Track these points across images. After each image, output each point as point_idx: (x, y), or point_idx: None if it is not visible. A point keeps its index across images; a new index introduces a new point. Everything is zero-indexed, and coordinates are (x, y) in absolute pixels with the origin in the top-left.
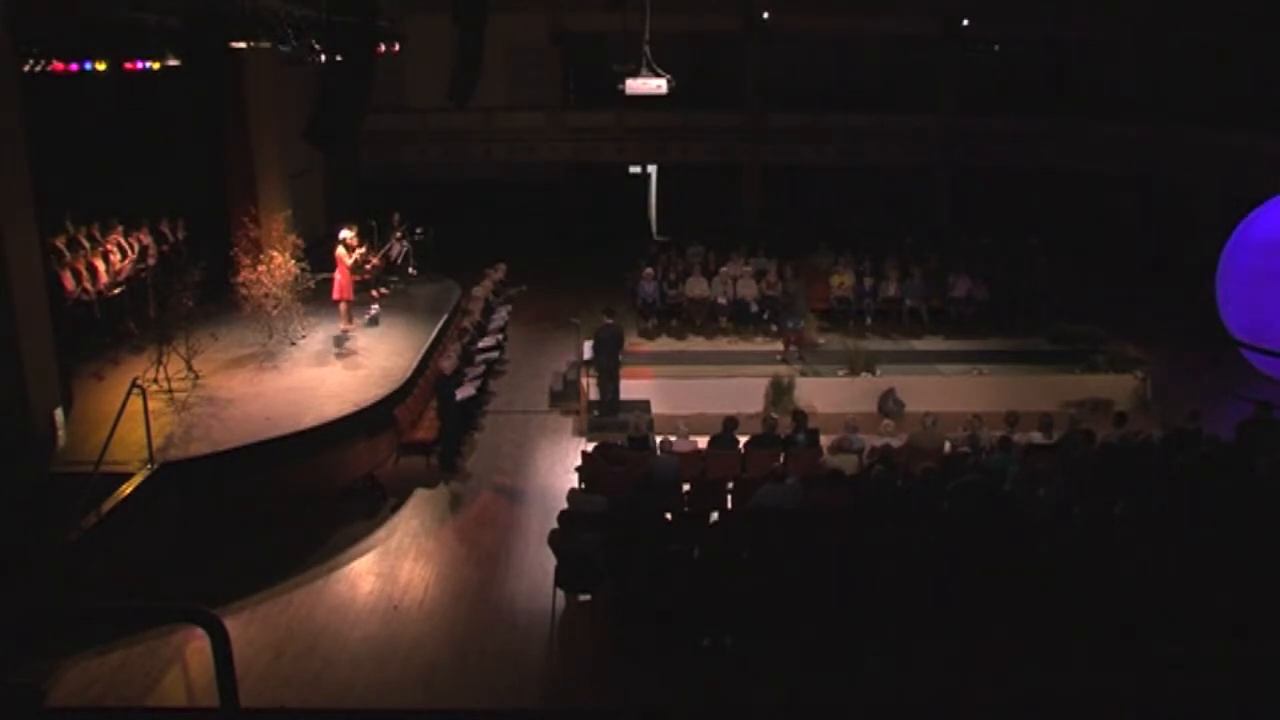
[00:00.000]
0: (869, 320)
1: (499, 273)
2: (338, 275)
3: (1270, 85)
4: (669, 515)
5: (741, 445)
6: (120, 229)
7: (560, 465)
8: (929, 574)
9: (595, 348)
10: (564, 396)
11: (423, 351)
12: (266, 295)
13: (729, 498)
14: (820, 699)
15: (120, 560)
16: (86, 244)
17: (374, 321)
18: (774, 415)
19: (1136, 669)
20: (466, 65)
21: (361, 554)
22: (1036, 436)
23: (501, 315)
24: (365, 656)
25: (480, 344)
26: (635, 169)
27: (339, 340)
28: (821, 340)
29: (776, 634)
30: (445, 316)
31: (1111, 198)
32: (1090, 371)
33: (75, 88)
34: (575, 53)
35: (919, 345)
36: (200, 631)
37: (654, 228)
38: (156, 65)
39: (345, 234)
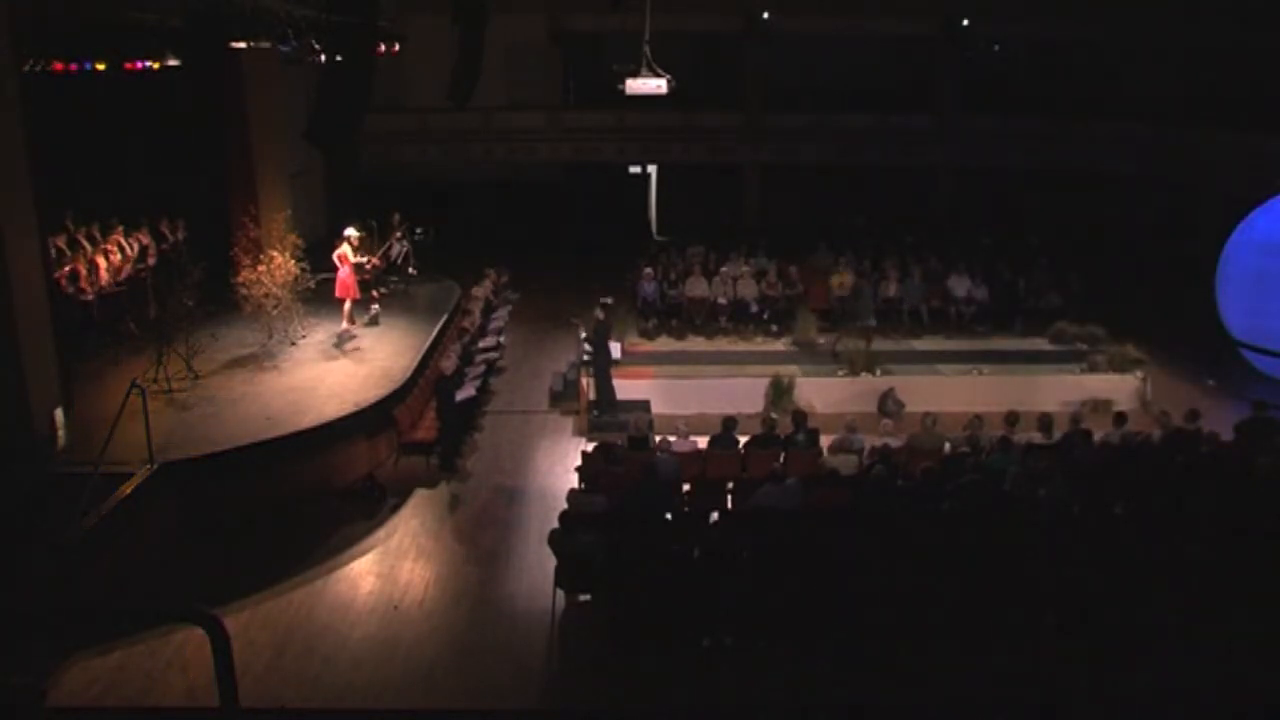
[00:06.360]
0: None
1: (496, 274)
2: (342, 274)
3: (1270, 85)
4: (669, 515)
5: (741, 445)
6: (120, 229)
7: (560, 465)
8: (929, 574)
9: (595, 343)
10: (564, 396)
11: (423, 351)
12: (266, 295)
13: (729, 498)
14: (820, 699)
15: (120, 560)
16: (86, 244)
17: (374, 321)
18: (774, 415)
19: (1136, 668)
20: (466, 65)
21: (361, 554)
22: (1036, 436)
23: (502, 315)
24: (365, 656)
25: (480, 344)
26: (635, 169)
27: (339, 340)
28: (822, 340)
29: (776, 634)
30: (445, 316)
31: (1112, 197)
32: (1090, 371)
33: (75, 88)
34: (575, 53)
35: (919, 345)
36: (200, 631)
37: (654, 228)
38: (156, 65)
39: (350, 232)
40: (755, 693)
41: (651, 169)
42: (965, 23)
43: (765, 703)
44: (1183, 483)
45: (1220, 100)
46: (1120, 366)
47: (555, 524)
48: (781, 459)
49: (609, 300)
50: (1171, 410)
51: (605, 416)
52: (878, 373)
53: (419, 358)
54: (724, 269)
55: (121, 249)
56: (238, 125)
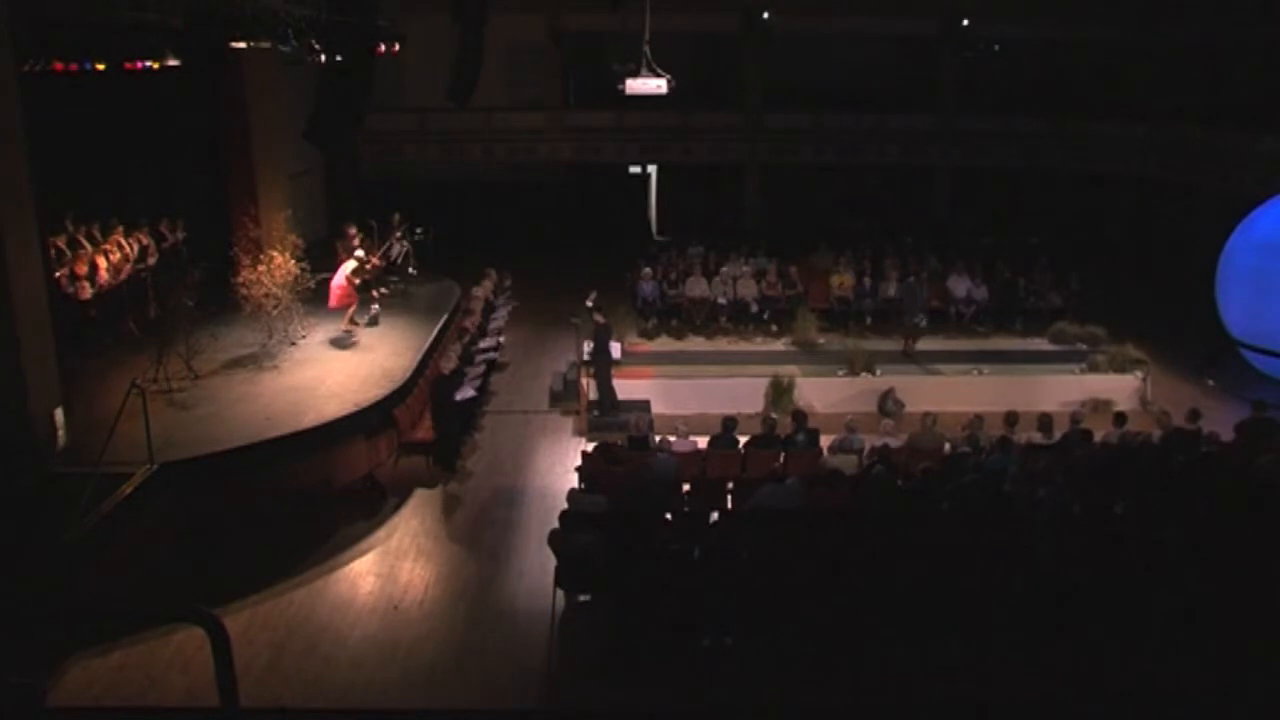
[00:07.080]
0: (869, 320)
1: (497, 275)
2: (340, 283)
3: (1268, 85)
4: (669, 515)
5: (741, 445)
6: (120, 229)
7: (560, 465)
8: (929, 574)
9: (596, 347)
10: (564, 396)
11: (423, 351)
12: (266, 295)
13: (729, 498)
14: (820, 699)
15: (120, 560)
16: (86, 244)
17: (374, 321)
18: (774, 415)
19: (1136, 667)
20: (466, 65)
21: (361, 554)
22: (1036, 436)
23: (502, 315)
24: (365, 656)
25: (480, 344)
26: (635, 169)
27: (339, 340)
28: (821, 340)
29: (776, 634)
30: (445, 316)
31: (1111, 198)
32: (1090, 371)
33: (75, 88)
34: (575, 53)
35: (919, 345)
36: (200, 631)
37: (654, 228)
38: (156, 65)
39: (360, 253)
40: (756, 693)
41: (651, 169)
42: (965, 23)
43: (765, 703)
44: (1183, 483)
45: (1220, 100)
46: (1120, 366)
47: (555, 524)
48: (781, 459)
49: (598, 317)
50: (1171, 410)
51: (605, 416)
52: (878, 372)
53: (419, 358)
54: (724, 269)
55: (121, 249)
56: (238, 125)
